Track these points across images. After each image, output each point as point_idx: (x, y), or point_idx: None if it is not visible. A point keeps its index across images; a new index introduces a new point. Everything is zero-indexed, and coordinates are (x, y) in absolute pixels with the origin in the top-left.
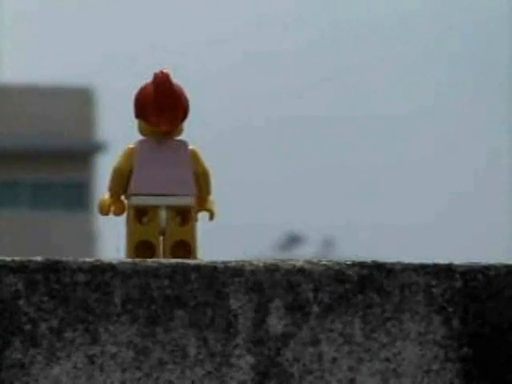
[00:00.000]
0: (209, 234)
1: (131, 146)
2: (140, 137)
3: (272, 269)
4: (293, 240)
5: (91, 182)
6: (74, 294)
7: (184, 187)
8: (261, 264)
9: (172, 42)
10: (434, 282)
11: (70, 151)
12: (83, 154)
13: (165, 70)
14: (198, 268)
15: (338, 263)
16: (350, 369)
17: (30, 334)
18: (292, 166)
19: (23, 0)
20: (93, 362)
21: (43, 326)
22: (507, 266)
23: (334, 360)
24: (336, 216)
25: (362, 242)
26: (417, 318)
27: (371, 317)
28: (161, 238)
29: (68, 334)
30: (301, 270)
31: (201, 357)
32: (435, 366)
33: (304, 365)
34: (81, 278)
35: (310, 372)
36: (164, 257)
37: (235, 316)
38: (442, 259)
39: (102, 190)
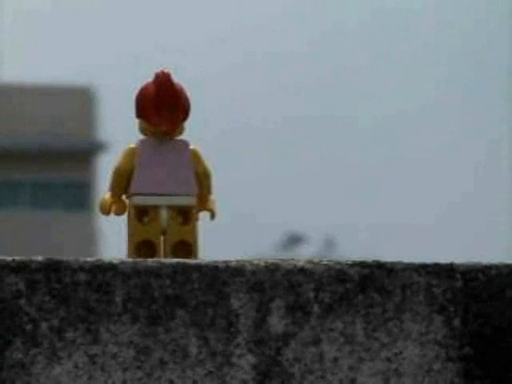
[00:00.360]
0: (210, 233)
1: (132, 145)
2: (141, 136)
3: (273, 268)
4: (294, 240)
5: (92, 181)
6: (74, 293)
7: (185, 187)
8: (262, 264)
9: (173, 42)
10: (434, 282)
11: (71, 151)
12: (84, 153)
13: (166, 70)
14: (199, 268)
15: (339, 263)
16: (351, 368)
17: (31, 334)
18: (293, 165)
19: (23, 0)
20: (94, 362)
21: (44, 326)
22: (508, 266)
23: (335, 360)
24: (337, 216)
25: (363, 242)
26: (418, 318)
27: (372, 316)
28: (162, 238)
29: (69, 334)
30: (302, 270)
31: (202, 356)
32: (436, 366)
33: (305, 364)
34: (82, 277)
35: (311, 372)
36: (165, 256)
37: (236, 316)
38: (443, 259)
39: (102, 190)
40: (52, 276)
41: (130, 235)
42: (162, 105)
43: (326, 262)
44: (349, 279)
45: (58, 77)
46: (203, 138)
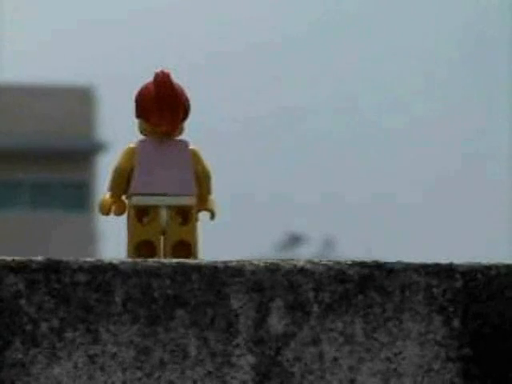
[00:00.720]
0: (210, 233)
1: (132, 145)
2: (141, 136)
3: (273, 268)
4: (293, 240)
5: (91, 181)
6: (74, 293)
7: (185, 187)
8: (261, 264)
9: (173, 41)
10: (434, 282)
11: (70, 151)
12: (83, 153)
13: (165, 70)
14: (198, 268)
15: (339, 263)
16: (351, 368)
17: (31, 334)
18: (293, 165)
19: (23, 0)
20: (93, 362)
21: (44, 326)
22: (508, 266)
23: (335, 360)
24: (336, 216)
25: (363, 242)
26: (417, 318)
27: (372, 316)
28: (161, 238)
29: (69, 334)
30: (301, 270)
31: (201, 356)
32: (436, 366)
33: (305, 364)
34: (81, 277)
35: (311, 372)
36: (165, 256)
37: (236, 316)
38: (443, 259)
39: (102, 190)
40: (52, 276)
41: (130, 235)
42: (162, 105)
43: (325, 262)
44: (348, 279)
45: (57, 77)
46: (203, 137)
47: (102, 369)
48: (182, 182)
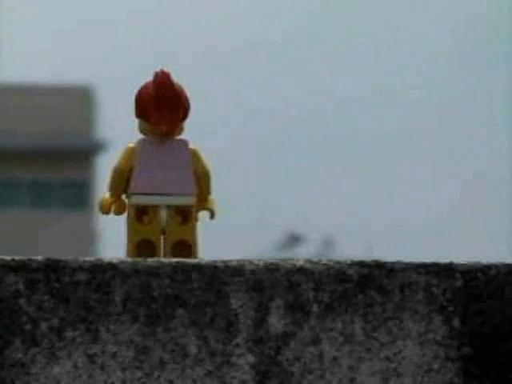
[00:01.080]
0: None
1: (131, 145)
2: (140, 136)
3: (272, 268)
4: (293, 239)
5: (91, 181)
6: (74, 293)
7: (184, 186)
8: (261, 263)
9: (173, 41)
10: (434, 282)
11: (70, 151)
12: (83, 153)
13: (165, 70)
14: (198, 267)
15: (339, 262)
16: (351, 368)
17: (31, 334)
18: (293, 165)
19: (23, 0)
20: (93, 362)
21: (44, 326)
22: (508, 266)
23: (335, 359)
24: (336, 216)
25: (362, 242)
26: (417, 318)
27: (372, 316)
28: (161, 238)
29: (68, 334)
30: (301, 270)
31: (201, 356)
32: (436, 366)
33: (304, 364)
34: (81, 277)
35: (311, 371)
36: (164, 256)
37: (236, 315)
38: (443, 259)
39: (102, 190)
40: (51, 276)
41: (130, 235)
42: (162, 104)
43: (325, 262)
44: (348, 279)
45: (57, 77)
46: (202, 137)
47: (101, 368)
48: (182, 182)
